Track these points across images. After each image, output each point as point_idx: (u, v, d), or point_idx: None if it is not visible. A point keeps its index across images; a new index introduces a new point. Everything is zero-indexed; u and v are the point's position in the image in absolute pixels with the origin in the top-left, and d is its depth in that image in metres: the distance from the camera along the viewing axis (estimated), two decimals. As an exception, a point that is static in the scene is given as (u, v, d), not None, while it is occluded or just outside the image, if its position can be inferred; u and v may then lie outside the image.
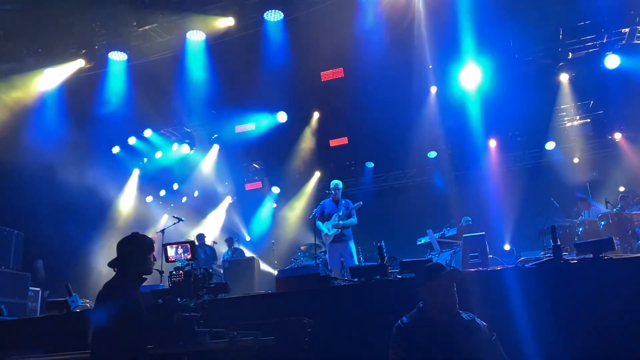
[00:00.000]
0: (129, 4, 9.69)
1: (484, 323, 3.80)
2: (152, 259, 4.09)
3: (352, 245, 9.61)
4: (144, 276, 4.08)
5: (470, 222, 12.03)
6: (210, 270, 4.69)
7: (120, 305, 3.75)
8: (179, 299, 4.27)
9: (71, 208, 11.93)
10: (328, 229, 9.56)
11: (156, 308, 4.13)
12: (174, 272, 4.49)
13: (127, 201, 15.20)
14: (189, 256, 5.07)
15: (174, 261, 5.05)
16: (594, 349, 4.78)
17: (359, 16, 9.86)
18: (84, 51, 10.83)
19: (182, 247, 5.09)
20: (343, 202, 9.71)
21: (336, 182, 9.96)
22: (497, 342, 3.73)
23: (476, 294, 5.02)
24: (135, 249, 4.02)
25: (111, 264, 4.01)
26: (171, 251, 5.15)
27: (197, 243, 7.68)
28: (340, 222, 9.43)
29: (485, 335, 3.72)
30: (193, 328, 4.06)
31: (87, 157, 12.57)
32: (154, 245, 4.17)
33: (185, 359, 3.96)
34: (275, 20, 9.97)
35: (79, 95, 11.44)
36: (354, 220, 9.53)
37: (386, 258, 7.11)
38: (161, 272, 4.40)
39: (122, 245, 4.04)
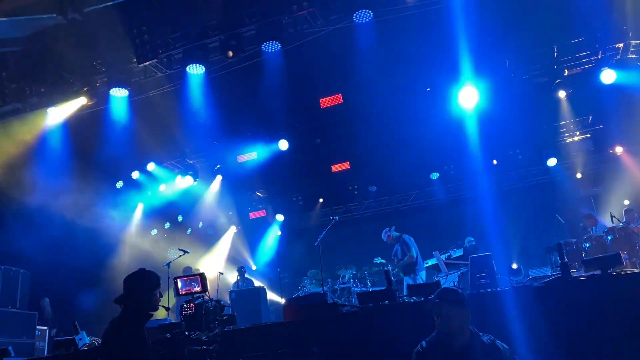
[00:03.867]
0: (129, 41, 9.85)
1: (505, 345, 3.78)
2: (158, 295, 4.07)
3: (405, 280, 10.58)
4: (150, 312, 4.06)
5: (474, 243, 11.99)
6: (222, 302, 4.66)
7: (127, 342, 3.73)
8: (187, 332, 4.25)
9: (76, 244, 11.93)
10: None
11: (165, 343, 4.09)
12: (184, 306, 4.46)
13: (132, 235, 15.20)
14: (199, 288, 5.05)
15: (184, 294, 5.03)
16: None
17: (355, 43, 9.97)
18: (85, 89, 10.96)
19: (192, 280, 5.07)
20: (399, 241, 10.80)
21: (384, 231, 11.15)
22: None
23: (485, 315, 4.99)
24: (142, 285, 4.01)
25: (117, 301, 4.00)
26: (182, 284, 5.13)
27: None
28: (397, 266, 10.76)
29: (506, 358, 3.70)
30: (205, 360, 4.03)
31: (91, 193, 12.61)
32: (160, 281, 4.16)
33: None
34: (274, 50, 10.09)
35: (82, 132, 11.54)
36: (407, 258, 10.49)
37: (393, 282, 7.09)
38: (167, 309, 4.35)
39: (129, 282, 4.03)
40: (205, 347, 4.07)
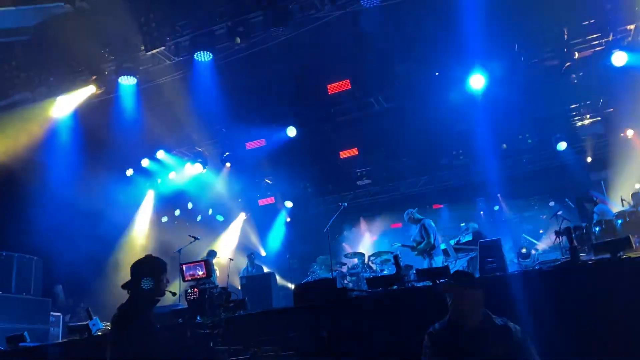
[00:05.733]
0: (137, 29, 9.86)
1: (517, 327, 3.81)
2: (165, 281, 4.12)
3: (425, 262, 10.53)
4: (157, 298, 4.12)
5: (477, 227, 12.01)
6: (229, 289, 4.72)
7: (135, 327, 3.80)
8: (198, 318, 4.31)
9: (88, 232, 12.05)
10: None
11: (176, 327, 4.16)
12: (189, 291, 4.53)
13: (143, 222, 15.32)
14: (203, 273, 5.12)
15: (190, 280, 5.11)
16: (613, 350, 4.73)
17: (363, 27, 9.91)
18: (94, 77, 11.00)
19: (197, 266, 5.15)
20: (419, 224, 10.72)
21: (407, 212, 11.07)
22: (531, 346, 3.74)
23: (495, 299, 5.00)
24: (148, 271, 4.06)
25: (125, 287, 4.06)
26: (187, 270, 5.21)
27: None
28: (419, 246, 10.57)
29: (519, 339, 3.73)
30: (209, 345, 4.09)
31: (102, 181, 12.71)
32: (167, 267, 4.21)
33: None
34: (280, 37, 10.05)
35: (92, 121, 11.60)
36: (425, 242, 10.44)
37: (402, 267, 7.12)
38: (174, 294, 4.41)
39: (136, 268, 4.09)
40: (209, 331, 4.12)
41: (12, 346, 7.86)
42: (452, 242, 11.28)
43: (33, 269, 10.14)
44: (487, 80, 11.30)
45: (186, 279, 5.18)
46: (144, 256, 4.20)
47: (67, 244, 11.57)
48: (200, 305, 4.37)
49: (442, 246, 11.20)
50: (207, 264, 5.17)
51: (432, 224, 10.83)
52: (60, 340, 9.86)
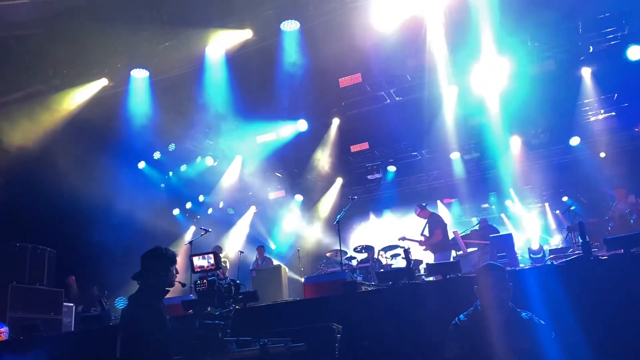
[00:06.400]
0: (149, 22, 9.88)
1: (542, 322, 3.81)
2: (174, 272, 4.15)
3: (435, 257, 10.38)
4: (166, 288, 4.15)
5: (488, 222, 11.93)
6: (238, 282, 4.73)
7: (144, 317, 3.83)
8: (208, 309, 4.34)
9: (101, 224, 12.15)
10: None
11: (185, 318, 4.19)
12: (198, 282, 4.57)
13: (155, 214, 15.38)
14: (212, 265, 5.15)
15: (199, 271, 5.15)
16: (625, 346, 4.70)
17: (374, 21, 9.86)
18: (106, 70, 11.07)
19: (206, 257, 5.19)
20: (429, 218, 10.61)
21: (416, 206, 11.00)
22: (555, 341, 3.75)
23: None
24: (158, 261, 4.09)
25: (135, 277, 4.09)
26: (197, 262, 5.25)
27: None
28: (428, 241, 10.37)
29: (544, 333, 3.74)
30: (217, 336, 4.11)
31: (114, 174, 12.79)
32: (177, 257, 4.24)
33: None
34: (292, 30, 10.04)
35: (104, 113, 11.67)
36: (435, 237, 10.25)
37: (412, 261, 7.11)
38: (183, 285, 4.45)
39: (146, 258, 4.12)
40: (217, 321, 4.14)
41: (25, 336, 7.96)
42: (462, 235, 11.23)
43: (46, 260, 10.24)
44: (500, 73, 11.21)
45: (195, 270, 5.23)
46: (154, 247, 4.22)
47: (81, 235, 11.69)
48: (209, 296, 4.39)
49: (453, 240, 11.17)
50: (217, 255, 5.20)
51: (442, 218, 10.78)
52: (72, 330, 9.98)
